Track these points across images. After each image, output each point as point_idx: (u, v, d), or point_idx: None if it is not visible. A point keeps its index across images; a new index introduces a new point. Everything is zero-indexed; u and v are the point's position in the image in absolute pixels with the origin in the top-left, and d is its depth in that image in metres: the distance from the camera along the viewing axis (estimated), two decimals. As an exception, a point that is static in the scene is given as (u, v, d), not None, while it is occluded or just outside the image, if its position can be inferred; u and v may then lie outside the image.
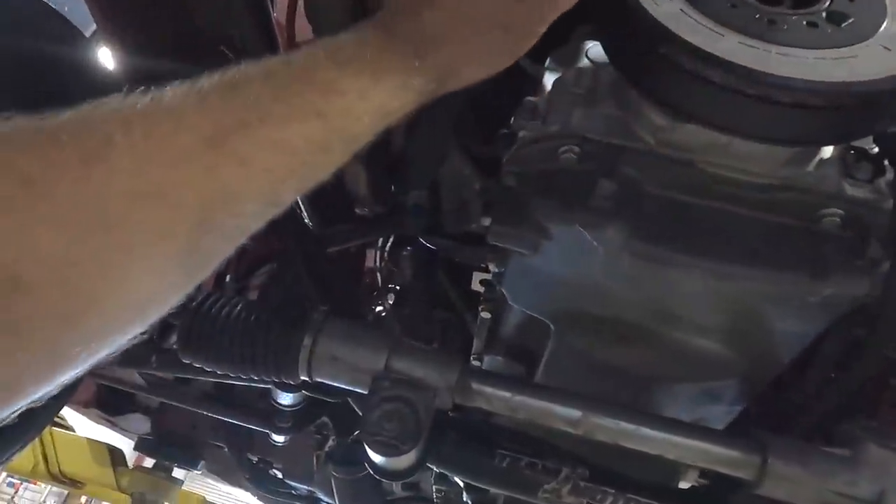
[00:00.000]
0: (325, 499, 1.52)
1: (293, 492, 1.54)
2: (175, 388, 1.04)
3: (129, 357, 0.86)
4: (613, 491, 0.63)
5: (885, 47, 0.42)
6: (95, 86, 1.06)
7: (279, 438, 1.13)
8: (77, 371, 0.31)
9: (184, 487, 1.80)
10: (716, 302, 0.53)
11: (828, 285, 0.49)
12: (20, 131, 0.28)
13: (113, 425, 1.36)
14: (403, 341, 0.63)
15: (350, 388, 0.64)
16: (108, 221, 0.29)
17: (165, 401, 1.04)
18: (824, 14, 0.45)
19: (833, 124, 0.42)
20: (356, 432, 1.26)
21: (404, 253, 1.29)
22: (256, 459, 1.47)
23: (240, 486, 1.63)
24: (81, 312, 0.29)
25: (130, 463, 1.54)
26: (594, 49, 0.60)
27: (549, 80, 0.60)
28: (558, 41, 0.65)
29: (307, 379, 0.65)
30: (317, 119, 0.36)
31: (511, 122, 0.57)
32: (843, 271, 0.49)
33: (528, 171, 0.54)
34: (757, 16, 0.44)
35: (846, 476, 0.54)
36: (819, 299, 0.50)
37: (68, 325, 0.29)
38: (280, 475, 1.49)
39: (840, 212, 0.49)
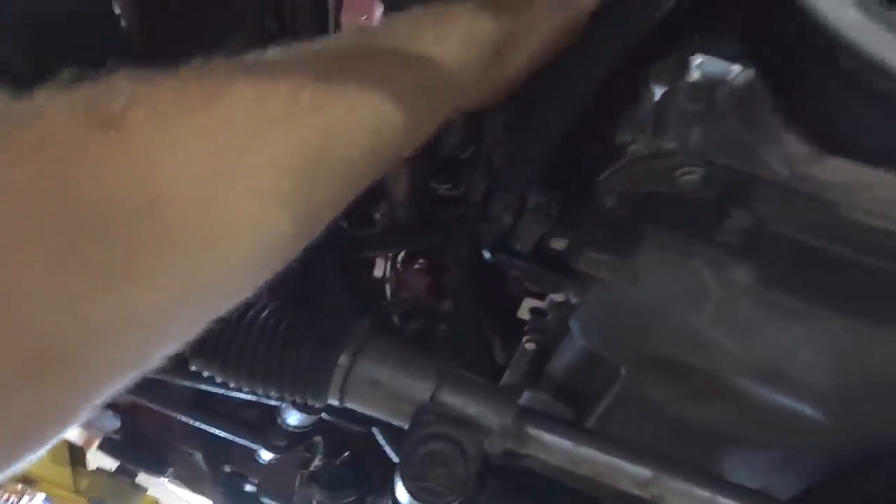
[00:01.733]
0: (302, 521, 1.42)
1: (266, 510, 1.42)
2: (157, 388, 0.93)
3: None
4: (672, 563, 0.55)
5: None
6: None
7: (267, 456, 1.03)
8: (198, 320, 0.33)
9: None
10: (837, 363, 0.46)
11: (978, 360, 0.42)
12: (150, 75, 0.30)
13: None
14: (455, 370, 0.55)
15: (386, 419, 0.56)
16: (233, 146, 0.30)
17: (146, 403, 0.93)
18: None
19: None
20: (346, 453, 1.17)
21: (416, 266, 1.21)
22: (230, 470, 1.36)
23: (208, 496, 1.51)
24: (213, 238, 0.30)
25: (91, 466, 1.41)
26: (708, 63, 0.53)
27: (654, 92, 0.54)
28: (660, 50, 0.59)
29: (336, 403, 0.56)
30: (413, 66, 0.40)
31: (617, 133, 0.50)
32: None
33: (635, 193, 0.47)
34: (949, 39, 0.38)
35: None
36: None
37: (202, 249, 0.30)
38: (254, 490, 1.38)
39: None
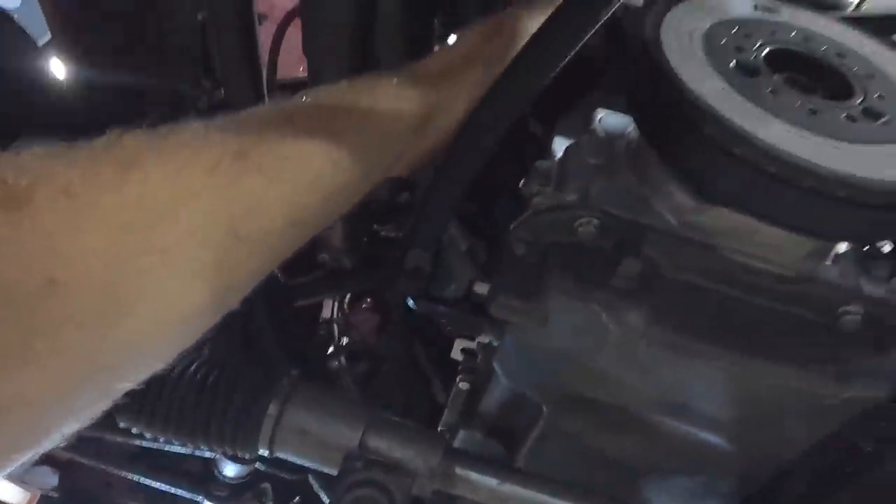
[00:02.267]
0: (251, 571, 1.37)
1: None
2: (96, 446, 0.91)
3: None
4: None
5: (926, 149, 0.41)
6: (46, 95, 0.97)
7: (210, 507, 1.01)
8: (104, 395, 0.32)
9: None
10: (732, 395, 0.50)
11: (849, 388, 0.46)
12: (60, 149, 0.30)
13: (15, 478, 1.19)
14: (382, 416, 0.57)
15: (316, 467, 0.57)
16: (144, 223, 0.30)
17: (84, 460, 0.91)
18: (861, 109, 0.44)
19: (880, 222, 0.40)
20: (296, 498, 1.16)
21: (364, 306, 1.22)
22: (176, 524, 1.32)
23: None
24: (118, 315, 0.30)
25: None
26: (608, 119, 0.57)
27: (559, 144, 0.57)
28: (565, 104, 0.63)
29: (266, 453, 0.57)
30: (336, 138, 0.41)
31: (521, 185, 0.54)
32: (865, 375, 0.46)
33: (541, 242, 0.50)
34: (798, 104, 0.43)
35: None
36: (837, 401, 0.47)
37: (104, 327, 0.30)
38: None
39: (860, 310, 0.47)
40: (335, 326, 1.25)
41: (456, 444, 0.75)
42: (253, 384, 0.56)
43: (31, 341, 0.27)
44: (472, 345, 0.71)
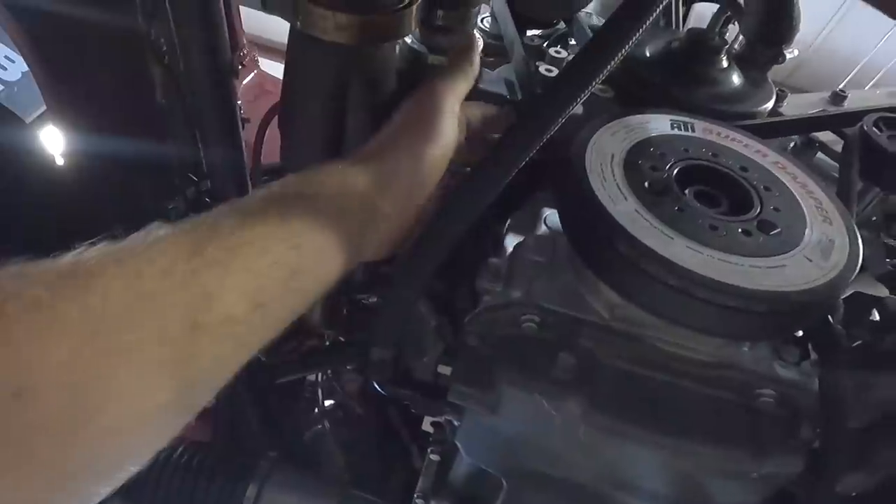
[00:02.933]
0: None
1: None
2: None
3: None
4: None
5: (808, 258, 0.48)
6: (38, 175, 1.04)
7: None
8: (81, 500, 0.33)
9: None
10: (664, 472, 0.55)
11: (766, 464, 0.52)
12: (30, 267, 0.32)
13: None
14: (354, 493, 0.62)
15: (292, 544, 0.61)
16: (106, 329, 0.32)
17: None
18: (756, 223, 0.51)
19: (767, 325, 0.47)
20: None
21: (349, 369, 1.26)
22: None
23: None
24: (85, 420, 0.31)
25: None
26: (552, 217, 0.64)
27: (510, 241, 0.64)
28: (517, 203, 0.70)
29: (247, 532, 0.61)
30: (290, 223, 0.42)
31: (476, 280, 0.60)
32: (779, 451, 0.52)
33: (491, 335, 0.56)
34: (699, 220, 0.50)
35: None
36: (757, 475, 0.53)
37: (72, 432, 0.30)
38: None
39: (773, 392, 0.53)
40: (319, 390, 1.30)
41: (429, 512, 0.80)
42: (233, 468, 0.61)
43: (1, 452, 0.28)
44: (441, 419, 0.76)
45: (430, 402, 0.63)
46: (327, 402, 1.31)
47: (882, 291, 0.75)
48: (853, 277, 0.48)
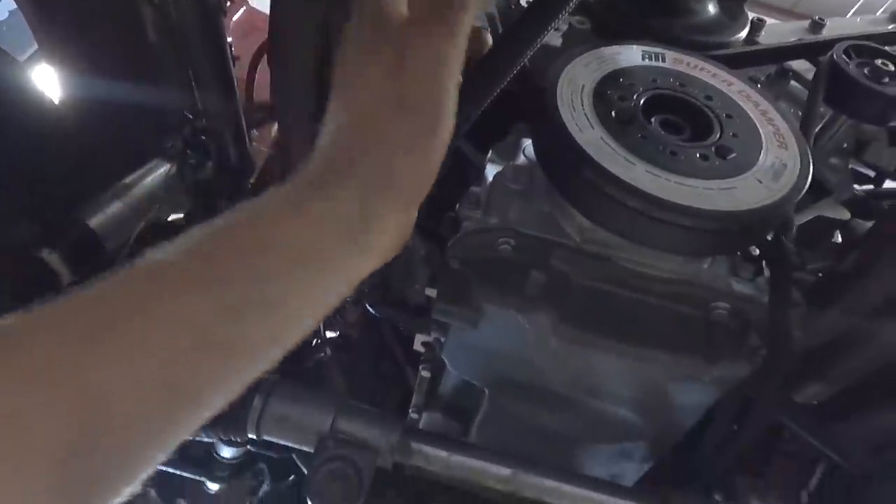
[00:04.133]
0: (255, 545, 1.50)
1: (221, 537, 1.51)
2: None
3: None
4: (537, 543, 0.69)
5: (759, 180, 0.52)
6: (34, 116, 1.06)
7: (214, 486, 1.13)
8: None
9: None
10: (629, 378, 0.61)
11: (717, 369, 0.58)
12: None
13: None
14: (349, 403, 0.68)
15: (296, 447, 0.68)
16: None
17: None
18: (714, 149, 0.54)
19: (718, 242, 0.51)
20: (290, 477, 1.28)
21: (348, 300, 1.33)
22: (185, 504, 1.44)
23: (164, 531, 1.58)
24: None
25: None
26: (531, 147, 0.68)
27: (490, 171, 0.68)
28: (499, 134, 0.73)
29: (255, 437, 0.68)
30: (210, 284, 0.34)
31: (457, 207, 0.64)
32: (729, 357, 0.58)
33: (470, 258, 0.61)
34: (661, 147, 0.53)
35: (732, 527, 0.63)
36: (710, 379, 0.59)
37: None
38: (209, 521, 1.46)
39: (727, 305, 0.59)
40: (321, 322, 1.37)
41: (421, 424, 0.87)
42: (241, 381, 0.67)
43: None
44: (430, 338, 0.82)
45: (418, 321, 0.68)
46: (329, 334, 1.39)
47: (845, 215, 0.80)
48: (798, 198, 0.52)
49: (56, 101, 1.04)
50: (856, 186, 0.85)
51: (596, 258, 0.59)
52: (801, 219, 0.75)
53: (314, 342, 1.35)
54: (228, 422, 0.67)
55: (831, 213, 0.77)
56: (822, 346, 0.81)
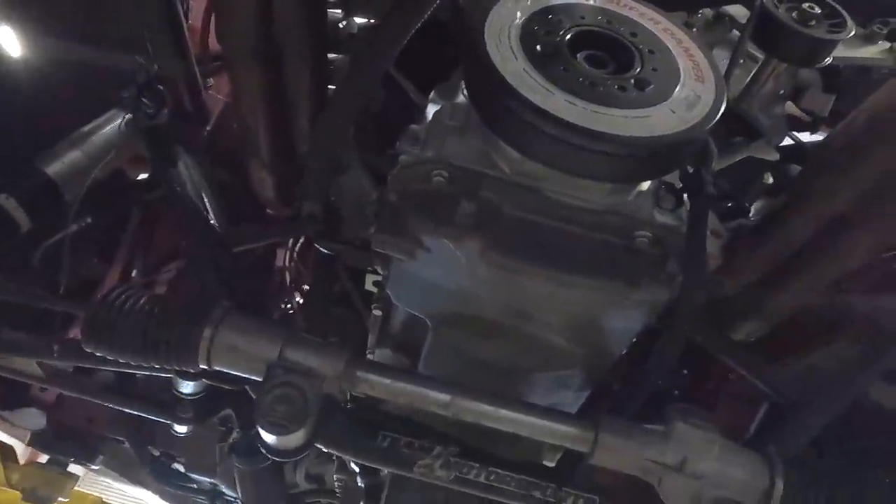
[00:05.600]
0: (228, 492, 1.55)
1: (195, 486, 1.56)
2: (74, 379, 1.05)
3: (29, 346, 0.88)
4: (478, 465, 0.73)
5: (672, 110, 0.55)
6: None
7: (181, 429, 1.16)
8: None
9: (81, 488, 1.75)
10: (556, 303, 0.65)
11: (637, 292, 0.62)
12: None
13: (4, 420, 1.33)
14: (297, 334, 0.71)
15: (247, 377, 0.71)
16: None
17: (64, 391, 1.05)
18: (633, 80, 0.57)
19: (633, 168, 0.54)
20: (259, 424, 1.32)
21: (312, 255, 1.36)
22: (158, 453, 1.48)
23: (140, 483, 1.63)
24: None
25: (22, 461, 1.50)
26: (470, 87, 0.70)
27: (431, 110, 0.70)
28: (441, 76, 0.75)
29: (207, 367, 0.71)
30: None
31: (397, 145, 0.67)
32: (649, 282, 0.61)
33: (407, 190, 0.64)
34: (581, 79, 0.56)
35: (658, 447, 0.68)
36: (631, 303, 0.63)
37: None
38: (182, 469, 1.51)
39: (649, 234, 0.62)
40: (286, 274, 1.40)
41: (375, 360, 0.91)
42: (192, 312, 0.70)
43: None
44: (380, 278, 0.85)
45: (360, 254, 0.71)
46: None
47: (773, 156, 0.83)
48: (708, 127, 0.55)
49: (14, 58, 1.04)
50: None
51: (525, 189, 0.62)
52: (732, 158, 0.78)
53: (281, 293, 1.38)
54: (180, 352, 0.70)
55: (761, 154, 0.81)
56: (756, 283, 0.86)
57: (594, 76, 0.57)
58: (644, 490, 0.74)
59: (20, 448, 1.48)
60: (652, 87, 0.57)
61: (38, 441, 1.41)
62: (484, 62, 0.55)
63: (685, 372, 1.12)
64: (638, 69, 0.58)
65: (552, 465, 0.87)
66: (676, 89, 0.57)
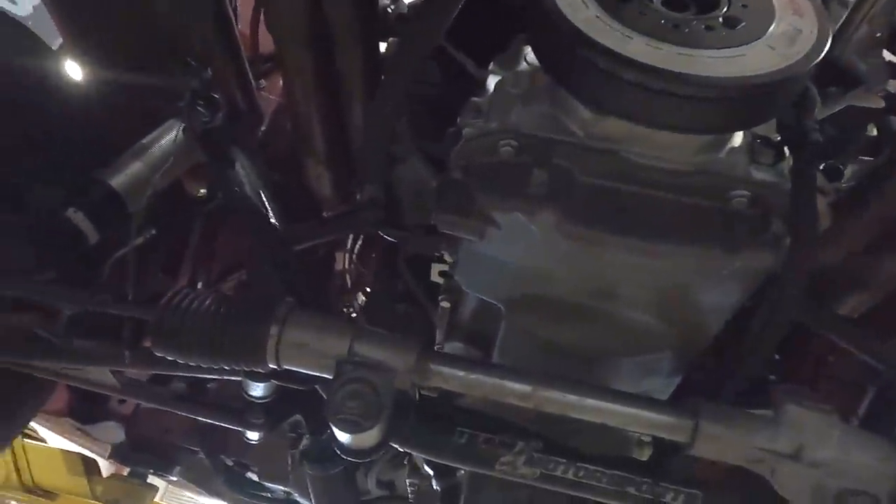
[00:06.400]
0: (301, 499, 1.55)
1: (269, 494, 1.56)
2: (148, 388, 1.06)
3: (101, 355, 0.89)
4: (565, 461, 0.68)
5: (770, 46, 0.49)
6: (62, 96, 1.09)
7: (253, 436, 1.15)
8: None
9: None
10: (643, 276, 0.59)
11: (737, 259, 0.55)
12: None
13: (86, 434, 1.37)
14: (365, 328, 0.68)
15: (317, 374, 0.69)
16: None
17: (138, 401, 1.06)
18: (721, 19, 0.51)
19: (724, 114, 0.48)
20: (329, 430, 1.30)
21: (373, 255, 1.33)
22: (232, 462, 1.49)
23: (216, 493, 1.64)
24: None
25: (105, 473, 1.54)
26: (532, 54, 0.65)
27: (492, 82, 0.66)
28: (500, 47, 0.71)
29: (276, 367, 0.69)
30: None
31: (458, 120, 0.63)
32: (750, 246, 0.55)
33: (472, 165, 0.59)
34: (662, 21, 0.50)
35: (768, 433, 0.60)
36: (730, 272, 0.56)
37: None
38: (256, 477, 1.51)
39: (747, 193, 0.56)
40: (347, 276, 1.38)
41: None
42: (257, 311, 0.68)
43: None
44: (447, 267, 0.81)
45: (426, 239, 0.67)
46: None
47: (878, 104, 0.74)
48: (816, 61, 0.48)
49: (80, 82, 1.07)
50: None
51: (601, 153, 0.57)
52: (832, 109, 0.70)
53: (342, 295, 1.36)
54: (248, 351, 0.67)
55: (863, 102, 0.72)
56: (860, 251, 0.77)
57: (677, 18, 0.51)
58: (743, 484, 0.66)
59: (102, 461, 1.52)
60: (743, 24, 0.51)
61: (117, 454, 1.45)
62: (553, 14, 0.50)
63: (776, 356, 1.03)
64: (725, 7, 0.52)
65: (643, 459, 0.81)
66: (772, 25, 0.51)
